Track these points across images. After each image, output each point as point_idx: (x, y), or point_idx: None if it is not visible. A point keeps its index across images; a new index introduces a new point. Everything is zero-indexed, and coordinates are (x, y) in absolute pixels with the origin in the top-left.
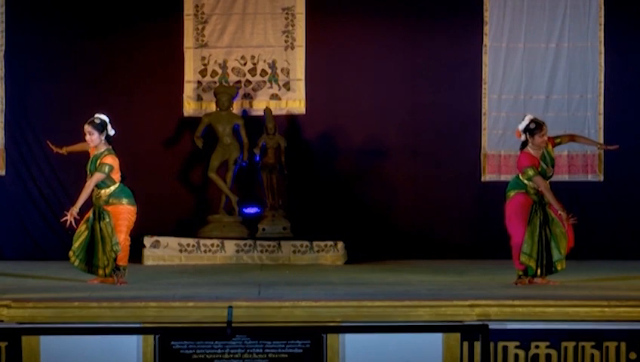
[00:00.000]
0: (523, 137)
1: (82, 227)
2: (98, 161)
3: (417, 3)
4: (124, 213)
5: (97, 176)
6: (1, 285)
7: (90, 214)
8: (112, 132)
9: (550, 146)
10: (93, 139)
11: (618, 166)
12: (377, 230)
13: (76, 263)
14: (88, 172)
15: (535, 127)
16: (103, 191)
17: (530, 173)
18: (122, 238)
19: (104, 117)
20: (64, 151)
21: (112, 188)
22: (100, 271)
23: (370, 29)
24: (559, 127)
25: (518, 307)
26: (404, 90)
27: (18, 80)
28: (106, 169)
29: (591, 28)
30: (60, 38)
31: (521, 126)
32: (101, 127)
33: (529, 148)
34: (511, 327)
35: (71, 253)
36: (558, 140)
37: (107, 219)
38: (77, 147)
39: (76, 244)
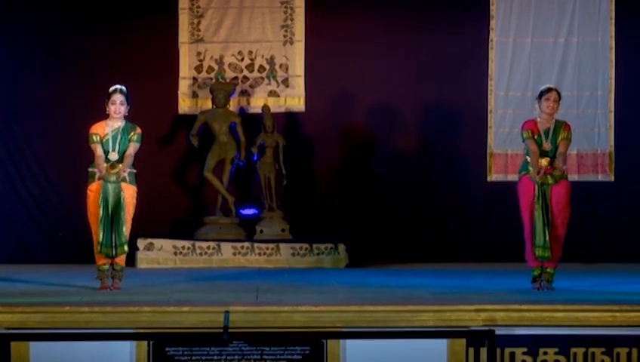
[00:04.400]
0: (537, 106)
1: (94, 218)
2: (132, 132)
3: None
4: (133, 197)
5: (136, 147)
6: None
7: (99, 192)
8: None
9: (564, 129)
10: (122, 110)
11: (629, 165)
12: (380, 232)
13: (107, 251)
14: (112, 148)
15: (545, 90)
16: (120, 165)
17: (524, 135)
18: (127, 232)
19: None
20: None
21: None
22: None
23: (373, 24)
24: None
25: (526, 312)
26: (407, 87)
27: (6, 76)
28: (141, 140)
29: (601, 22)
30: (50, 34)
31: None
32: (129, 99)
33: (537, 116)
34: (518, 333)
35: (98, 246)
36: (566, 138)
37: (123, 201)
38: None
39: (101, 233)
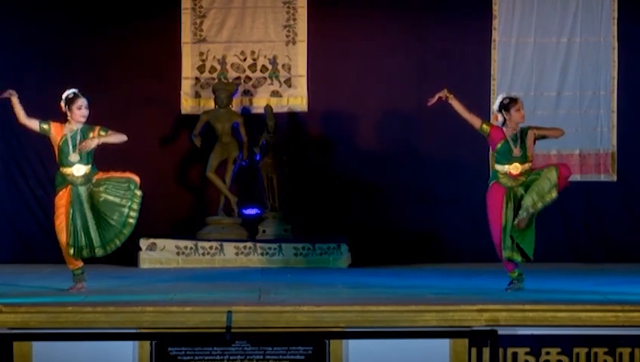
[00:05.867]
0: (500, 118)
1: (64, 218)
2: (94, 131)
3: None
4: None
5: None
6: None
7: (66, 200)
8: None
9: (531, 133)
10: (87, 114)
11: (632, 165)
12: (382, 232)
13: (85, 253)
14: (72, 150)
15: (509, 102)
16: (86, 167)
17: (484, 125)
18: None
19: None
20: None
21: (90, 165)
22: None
23: (375, 24)
24: (571, 125)
25: (529, 312)
26: (409, 87)
27: (9, 75)
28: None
29: (604, 22)
30: (53, 34)
31: (495, 106)
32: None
33: (501, 125)
34: (521, 333)
35: (71, 249)
36: (543, 133)
37: (103, 190)
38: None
39: (70, 237)
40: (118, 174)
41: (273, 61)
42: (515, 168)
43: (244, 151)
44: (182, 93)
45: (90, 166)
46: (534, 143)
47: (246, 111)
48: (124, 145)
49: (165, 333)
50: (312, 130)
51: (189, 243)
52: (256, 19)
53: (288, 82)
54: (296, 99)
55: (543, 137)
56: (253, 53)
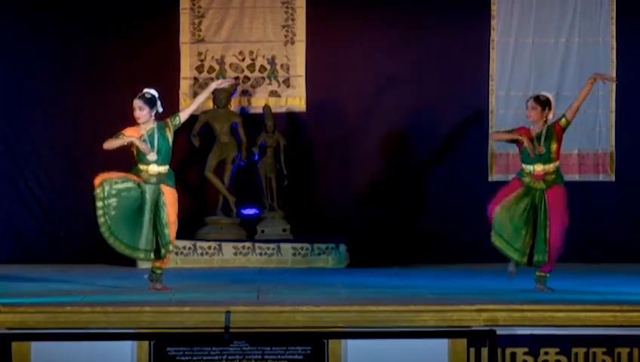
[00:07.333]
0: None
1: (117, 202)
2: (167, 125)
3: None
4: (176, 199)
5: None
6: None
7: (133, 190)
8: (160, 109)
9: (555, 128)
10: (143, 115)
11: (630, 165)
12: (381, 232)
13: (116, 244)
14: (151, 147)
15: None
16: (162, 167)
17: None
18: (173, 234)
19: (154, 92)
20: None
21: (167, 167)
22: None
23: (374, 23)
24: (569, 125)
25: (527, 312)
26: (408, 87)
27: (9, 75)
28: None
29: (602, 22)
30: (53, 34)
31: None
32: (152, 102)
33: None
34: (519, 333)
35: (108, 234)
36: (564, 121)
37: (163, 203)
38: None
39: (115, 225)
40: (172, 220)
41: (272, 61)
42: (538, 168)
43: (242, 151)
44: (180, 93)
45: (166, 167)
46: (562, 135)
47: (244, 112)
48: (124, 146)
49: (164, 333)
50: (310, 130)
51: (188, 243)
52: (254, 20)
53: (287, 82)
54: (295, 99)
55: (570, 119)
56: (251, 53)
